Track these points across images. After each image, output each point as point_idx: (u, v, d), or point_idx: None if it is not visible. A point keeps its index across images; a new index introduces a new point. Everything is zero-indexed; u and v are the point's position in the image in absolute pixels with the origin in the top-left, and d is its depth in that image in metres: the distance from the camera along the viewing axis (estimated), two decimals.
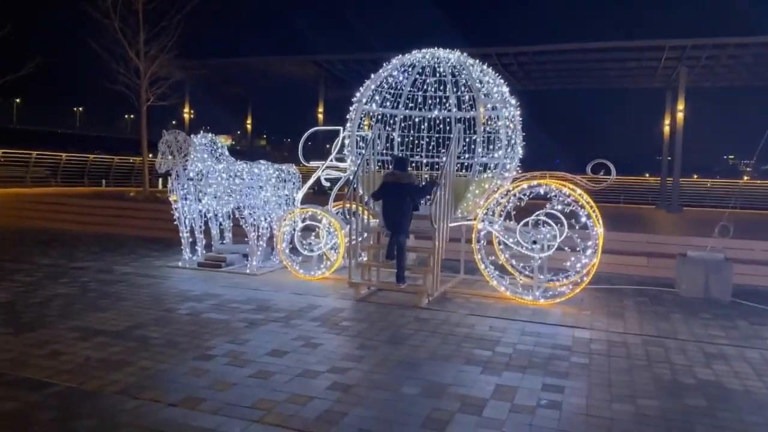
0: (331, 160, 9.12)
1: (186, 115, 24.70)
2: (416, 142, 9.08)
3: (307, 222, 8.63)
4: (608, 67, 19.91)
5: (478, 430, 3.73)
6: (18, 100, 51.98)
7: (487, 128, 8.25)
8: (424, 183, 8.04)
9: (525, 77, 21.33)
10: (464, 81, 8.46)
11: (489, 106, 8.20)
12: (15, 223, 14.04)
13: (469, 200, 8.13)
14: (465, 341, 5.63)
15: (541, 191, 7.38)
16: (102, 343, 5.22)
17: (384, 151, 8.80)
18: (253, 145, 41.90)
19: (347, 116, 8.72)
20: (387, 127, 8.87)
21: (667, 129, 21.01)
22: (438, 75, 8.70)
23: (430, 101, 8.90)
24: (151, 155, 17.49)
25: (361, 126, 8.71)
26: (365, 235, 8.01)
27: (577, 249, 7.37)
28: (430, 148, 9.09)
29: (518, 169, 8.39)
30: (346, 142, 8.73)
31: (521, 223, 7.37)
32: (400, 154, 8.72)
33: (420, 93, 8.87)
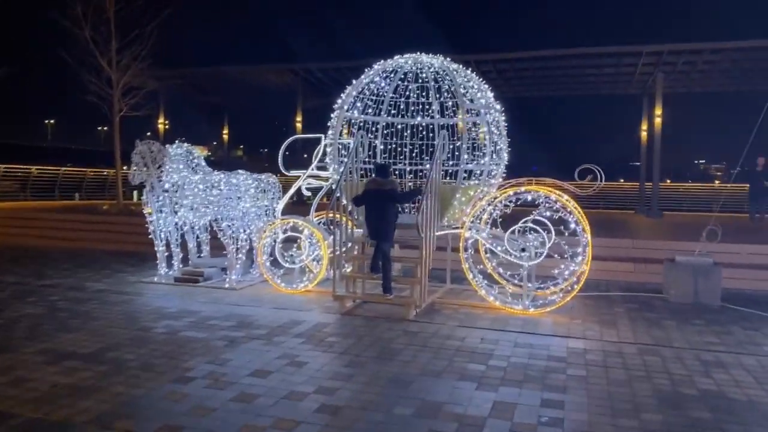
0: (313, 169, 8.87)
1: (161, 126, 24.12)
2: (399, 149, 8.90)
3: (289, 233, 8.35)
4: (587, 73, 20.00)
5: None
6: None
7: (472, 134, 8.11)
8: (407, 190, 7.85)
9: (504, 84, 21.31)
10: (447, 87, 8.31)
11: (471, 110, 8.05)
12: None
13: (455, 208, 7.94)
14: (457, 355, 5.41)
15: (529, 198, 7.23)
16: (71, 367, 4.87)
17: (366, 159, 8.59)
18: (230, 155, 41.28)
19: (329, 123, 8.49)
20: (369, 135, 8.67)
21: (644, 134, 21.16)
22: (420, 81, 8.54)
23: (412, 108, 8.73)
24: (125, 167, 16.99)
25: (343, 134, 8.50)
26: (349, 245, 7.76)
27: (565, 256, 7.23)
28: (413, 155, 8.91)
29: (504, 174, 8.26)
30: (328, 150, 8.50)
31: (509, 230, 7.21)
32: (383, 161, 8.53)
33: (402, 99, 8.69)
